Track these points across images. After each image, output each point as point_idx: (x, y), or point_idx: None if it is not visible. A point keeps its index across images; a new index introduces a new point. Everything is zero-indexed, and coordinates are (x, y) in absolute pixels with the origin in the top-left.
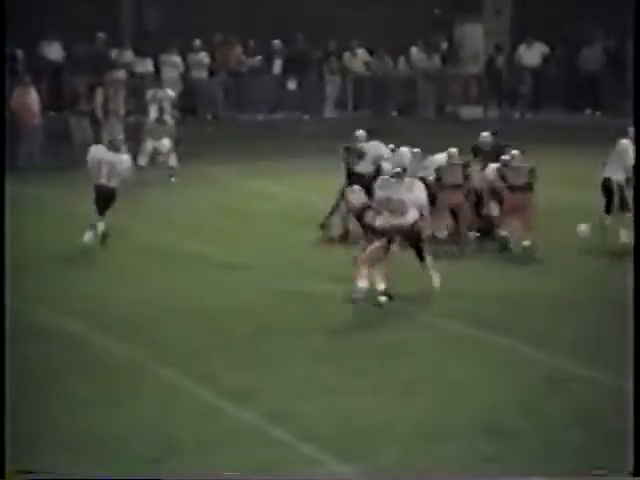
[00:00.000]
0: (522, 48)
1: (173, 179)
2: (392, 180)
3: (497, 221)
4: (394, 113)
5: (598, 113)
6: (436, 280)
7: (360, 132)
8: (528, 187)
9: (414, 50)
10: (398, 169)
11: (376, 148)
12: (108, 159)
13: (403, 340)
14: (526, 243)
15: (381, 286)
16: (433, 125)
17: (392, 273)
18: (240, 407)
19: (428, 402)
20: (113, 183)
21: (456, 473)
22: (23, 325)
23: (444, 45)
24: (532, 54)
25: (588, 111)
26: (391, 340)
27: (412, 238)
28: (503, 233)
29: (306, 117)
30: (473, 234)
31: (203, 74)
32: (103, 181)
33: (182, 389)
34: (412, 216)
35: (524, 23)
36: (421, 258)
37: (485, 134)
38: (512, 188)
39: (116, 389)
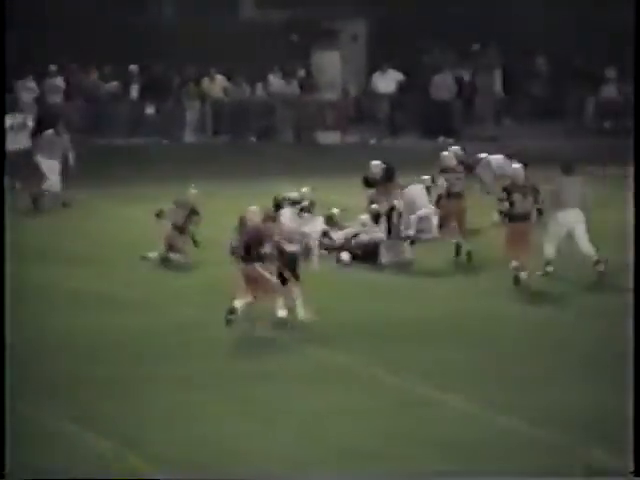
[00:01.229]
0: (377, 75)
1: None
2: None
3: None
4: (253, 138)
5: (451, 140)
6: (301, 312)
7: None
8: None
9: (271, 76)
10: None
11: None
12: None
13: (274, 368)
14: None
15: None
16: (292, 150)
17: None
18: (100, 434)
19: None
20: None
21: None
22: None
23: (302, 72)
24: (387, 81)
25: (441, 138)
26: (264, 368)
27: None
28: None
29: (165, 142)
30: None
31: (58, 99)
32: None
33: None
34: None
35: (380, 50)
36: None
37: (375, 163)
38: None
39: None
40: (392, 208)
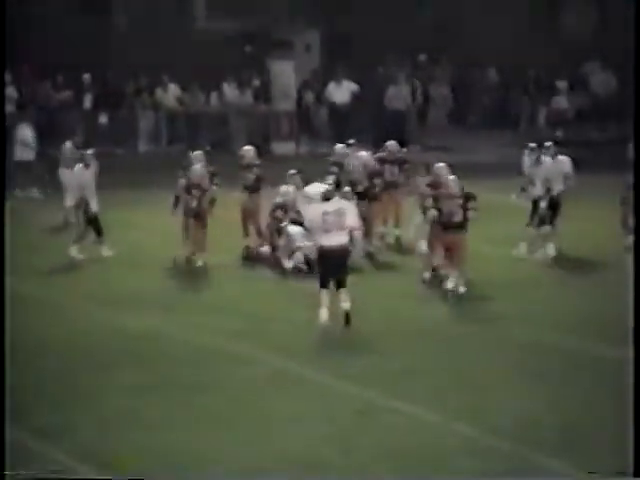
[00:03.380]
0: (331, 86)
1: None
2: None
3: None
4: (207, 148)
5: (404, 149)
6: (345, 305)
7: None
8: None
9: (225, 86)
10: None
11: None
12: None
13: (221, 375)
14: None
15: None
16: None
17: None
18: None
19: (244, 435)
20: None
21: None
22: None
23: (256, 82)
24: (341, 92)
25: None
26: (208, 376)
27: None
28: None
29: (119, 151)
30: None
31: (11, 108)
32: None
33: None
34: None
35: (334, 60)
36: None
37: (340, 145)
38: None
39: None
40: None
